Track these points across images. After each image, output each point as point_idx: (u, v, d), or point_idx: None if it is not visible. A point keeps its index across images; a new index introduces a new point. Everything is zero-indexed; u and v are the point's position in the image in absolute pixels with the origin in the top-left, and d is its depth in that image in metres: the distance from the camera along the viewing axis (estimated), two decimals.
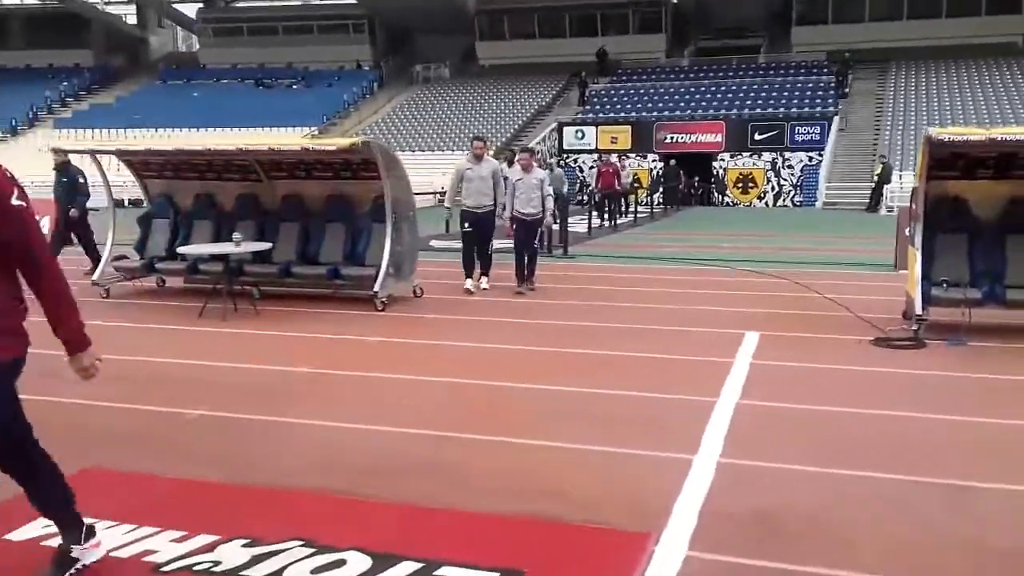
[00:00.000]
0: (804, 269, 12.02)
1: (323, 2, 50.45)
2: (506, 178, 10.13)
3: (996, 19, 37.23)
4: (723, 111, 35.07)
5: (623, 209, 23.26)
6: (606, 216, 20.81)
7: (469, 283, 10.00)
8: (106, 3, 51.45)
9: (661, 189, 31.60)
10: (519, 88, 42.38)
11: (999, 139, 6.85)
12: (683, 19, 45.16)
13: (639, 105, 37.16)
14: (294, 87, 45.64)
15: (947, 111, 31.40)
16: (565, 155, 35.37)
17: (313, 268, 9.14)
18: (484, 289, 10.07)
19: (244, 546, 3.43)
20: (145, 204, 10.62)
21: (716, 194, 33.55)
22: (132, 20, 54.06)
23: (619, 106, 37.52)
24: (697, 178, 32.70)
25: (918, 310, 7.26)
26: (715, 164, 33.49)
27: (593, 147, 35.09)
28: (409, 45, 48.82)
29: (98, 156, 9.97)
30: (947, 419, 5.15)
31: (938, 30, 37.57)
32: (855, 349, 7.03)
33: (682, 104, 36.50)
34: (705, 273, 11.87)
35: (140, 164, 10.14)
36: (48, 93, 45.84)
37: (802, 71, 38.30)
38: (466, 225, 9.96)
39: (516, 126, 37.88)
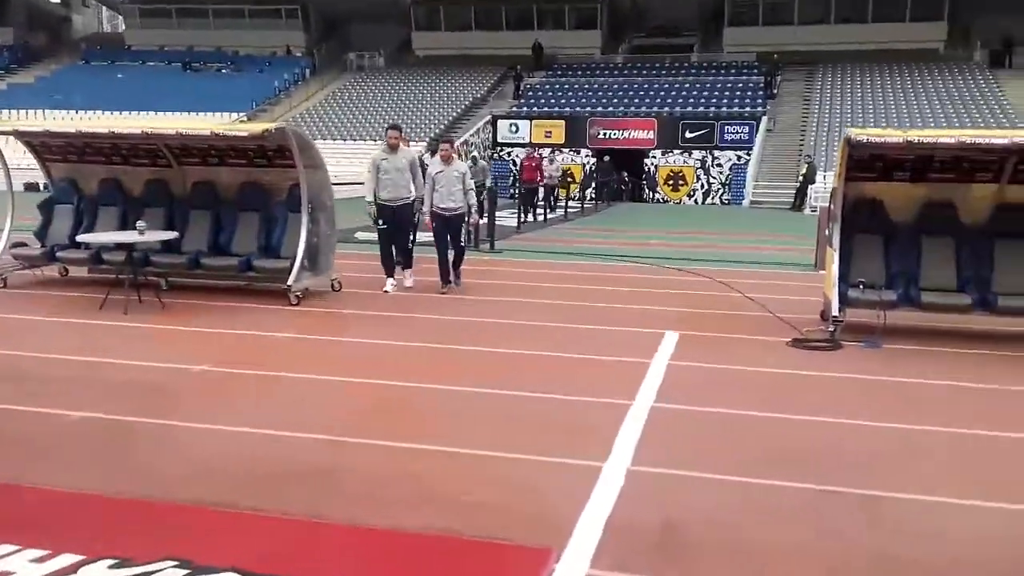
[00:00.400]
0: (727, 267, 12.05)
1: None
2: (425, 167, 9.78)
3: (919, 25, 38.24)
4: (655, 108, 35.29)
5: (553, 203, 23.08)
6: (529, 210, 20.17)
7: (389, 284, 9.41)
8: None
9: (593, 184, 31.75)
10: (454, 80, 42.00)
11: (915, 141, 6.88)
12: (619, 16, 45.33)
13: (573, 100, 37.18)
14: (223, 72, 44.45)
15: (871, 113, 32.12)
16: (499, 148, 35.25)
17: (224, 259, 8.77)
18: (408, 286, 9.57)
19: (111, 567, 3.14)
20: (49, 188, 10.07)
21: (647, 191, 33.80)
22: None
23: (553, 101, 37.46)
24: (626, 174, 32.93)
25: (834, 311, 7.27)
26: (647, 161, 33.71)
27: (527, 141, 34.91)
28: (344, 33, 47.98)
29: None
30: (860, 424, 5.11)
31: (864, 34, 38.45)
32: (772, 350, 7.00)
33: (615, 100, 36.64)
34: (630, 270, 11.81)
35: (41, 146, 9.60)
36: None
37: (732, 71, 38.79)
38: (380, 221, 9.36)
39: (450, 118, 37.50)
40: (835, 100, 34.90)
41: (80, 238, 8.59)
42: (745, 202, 30.04)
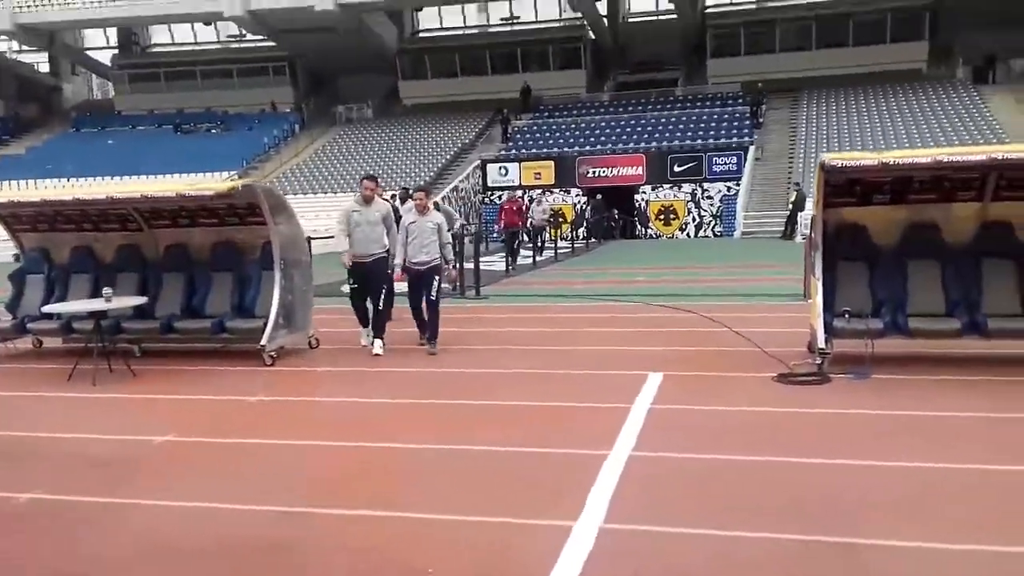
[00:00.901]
0: (715, 302, 11.86)
1: (243, 45, 49.78)
2: (399, 219, 9.34)
3: (901, 46, 38.52)
4: (643, 144, 35.41)
5: (541, 245, 22.90)
6: (512, 256, 19.05)
7: (364, 335, 8.96)
8: (17, 52, 49.84)
9: (585, 224, 31.73)
10: (442, 126, 42.24)
11: (891, 163, 6.72)
12: (602, 55, 45.75)
13: (561, 140, 37.31)
14: (213, 131, 44.71)
15: (857, 137, 32.16)
16: (490, 192, 35.29)
17: (197, 322, 8.57)
18: (376, 355, 8.50)
19: None
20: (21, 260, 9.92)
21: (639, 227, 33.75)
22: (45, 68, 52.61)
23: (541, 142, 37.61)
24: (616, 211, 32.91)
25: (820, 343, 7.06)
26: (637, 197, 33.73)
27: (517, 183, 35.07)
28: (331, 86, 48.41)
29: None
30: (849, 464, 4.87)
31: (846, 58, 38.71)
32: (759, 387, 6.77)
33: (603, 138, 36.78)
34: (616, 310, 11.62)
35: (11, 217, 9.46)
36: None
37: (718, 102, 39.00)
38: (351, 280, 8.83)
39: (440, 164, 37.63)
40: (821, 125, 35.01)
41: (45, 308, 8.40)
42: (736, 233, 29.95)
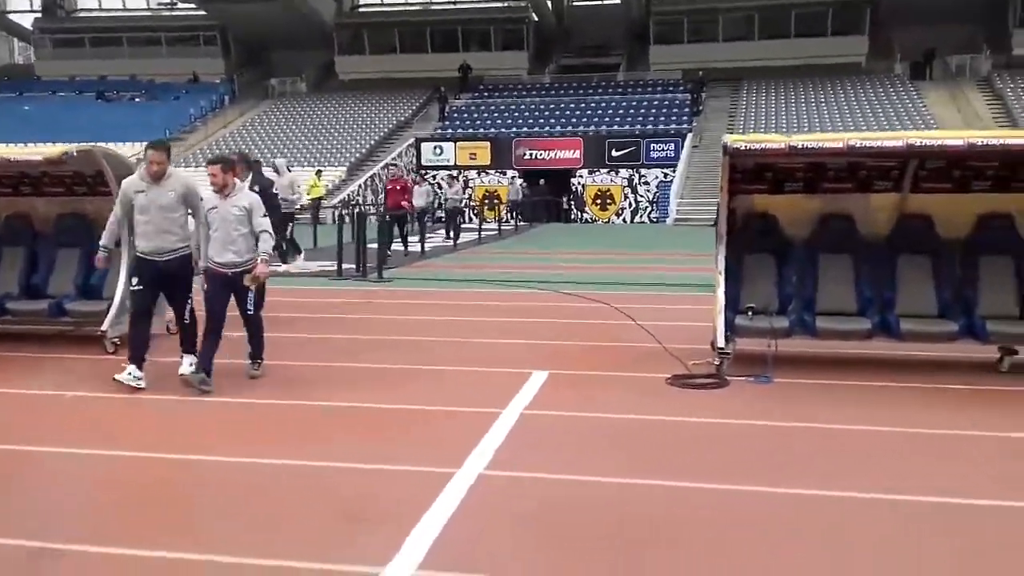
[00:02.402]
0: (630, 291, 11.20)
1: (173, 13, 47.82)
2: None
3: (841, 40, 38.38)
4: (581, 128, 34.76)
5: (456, 229, 21.00)
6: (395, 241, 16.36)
7: (128, 374, 5.94)
8: None
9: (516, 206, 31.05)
10: (378, 103, 41.04)
11: (799, 147, 6.02)
12: (545, 37, 44.93)
13: (499, 121, 36.44)
14: (137, 100, 42.81)
15: (795, 128, 31.88)
16: (424, 171, 34.29)
17: (33, 303, 7.57)
18: (184, 375, 6.23)
19: None
20: None
21: (575, 211, 33.12)
22: None
23: (479, 122, 36.69)
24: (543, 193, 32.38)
25: (720, 342, 6.37)
26: (573, 180, 33.07)
27: (452, 163, 34.14)
28: (265, 59, 46.77)
29: None
30: (734, 490, 4.17)
31: (787, 50, 38.45)
32: (649, 390, 6.07)
33: (541, 121, 36.02)
34: (522, 297, 10.86)
35: None
36: None
37: (659, 89, 38.49)
38: (135, 281, 6.31)
39: (372, 142, 36.51)
40: (760, 115, 34.72)
41: None
42: (670, 220, 29.47)
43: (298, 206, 15.36)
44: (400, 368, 6.78)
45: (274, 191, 11.90)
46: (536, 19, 43.50)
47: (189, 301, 6.45)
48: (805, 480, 4.31)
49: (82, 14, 49.76)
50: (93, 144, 7.26)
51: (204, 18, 45.01)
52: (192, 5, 44.00)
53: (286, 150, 35.93)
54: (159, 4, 48.53)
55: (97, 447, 4.78)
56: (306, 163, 33.10)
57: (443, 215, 22.23)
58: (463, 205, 21.62)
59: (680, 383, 6.18)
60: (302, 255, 13.99)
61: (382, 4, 47.48)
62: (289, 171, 14.90)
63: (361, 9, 47.55)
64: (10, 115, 39.62)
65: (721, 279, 6.56)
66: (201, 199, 6.36)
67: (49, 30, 47.79)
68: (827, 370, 6.61)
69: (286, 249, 13.36)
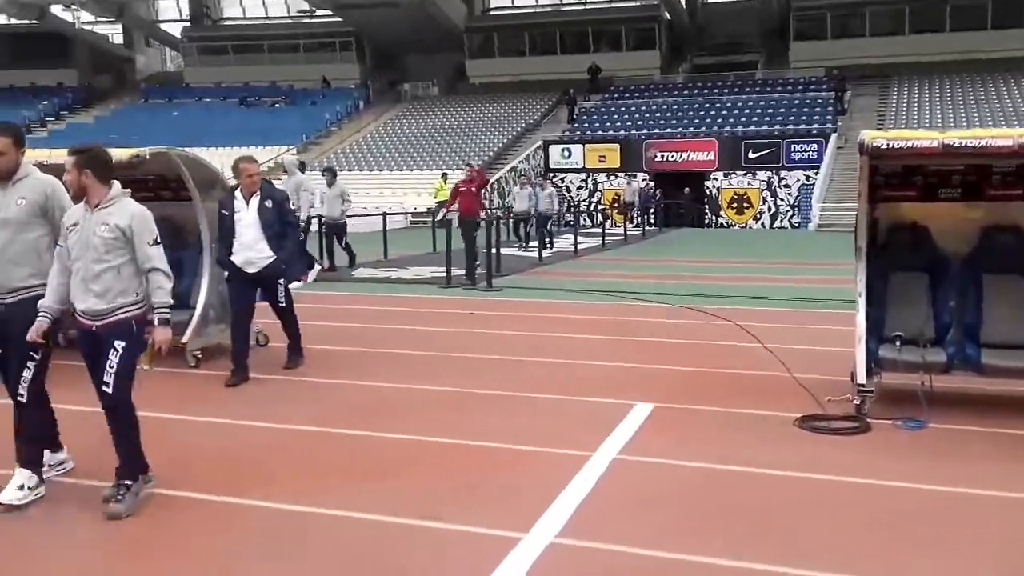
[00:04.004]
0: (760, 305, 10.16)
1: (311, 20, 49.18)
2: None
3: (1003, 33, 35.35)
4: (716, 128, 33.38)
5: (549, 237, 19.11)
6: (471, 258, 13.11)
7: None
8: (89, 23, 50.18)
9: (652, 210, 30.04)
10: (508, 106, 40.80)
11: (957, 145, 4.93)
12: (679, 36, 43.62)
13: (629, 123, 35.50)
14: (277, 106, 44.17)
15: (952, 127, 29.47)
16: (552, 175, 33.70)
17: None
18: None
19: None
20: None
21: (709, 214, 31.75)
22: (119, 40, 52.95)
23: (608, 124, 35.86)
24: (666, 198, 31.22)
25: (860, 377, 5.35)
26: (708, 183, 31.71)
27: (580, 166, 33.55)
28: (398, 64, 47.43)
29: None
30: None
31: (942, 45, 35.76)
32: (772, 434, 5.13)
33: (674, 121, 34.85)
34: (638, 311, 9.98)
35: None
36: (27, 113, 44.56)
37: (800, 87, 36.56)
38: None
39: (501, 145, 36.21)
40: (911, 115, 32.36)
41: None
42: (811, 225, 27.72)
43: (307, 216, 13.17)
44: (486, 395, 6.09)
45: (292, 205, 11.34)
46: (668, 17, 42.24)
47: (30, 370, 4.09)
48: (977, 571, 3.33)
49: (227, 22, 51.90)
50: (168, 147, 6.87)
51: (340, 24, 46.02)
52: (329, 12, 45.00)
53: (416, 153, 36.20)
54: (299, 12, 50.00)
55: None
56: (435, 167, 33.17)
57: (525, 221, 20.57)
58: (556, 211, 20.04)
59: (811, 426, 5.21)
60: (314, 270, 12.92)
61: (512, 7, 47.26)
62: (302, 172, 13.60)
63: (492, 12, 47.53)
64: (160, 121, 41.61)
65: (862, 301, 5.54)
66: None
67: (196, 38, 50.06)
68: (995, 414, 5.46)
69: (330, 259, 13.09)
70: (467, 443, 4.95)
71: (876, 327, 5.60)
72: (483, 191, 14.82)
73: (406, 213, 28.98)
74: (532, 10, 46.54)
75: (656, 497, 4.15)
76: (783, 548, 3.55)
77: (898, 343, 5.44)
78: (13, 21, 47.65)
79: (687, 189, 31.41)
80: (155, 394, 5.94)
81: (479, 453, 4.81)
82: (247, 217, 6.47)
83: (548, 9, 46.45)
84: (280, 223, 6.59)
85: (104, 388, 3.95)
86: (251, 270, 6.56)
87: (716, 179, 31.71)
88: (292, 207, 7.37)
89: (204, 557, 3.52)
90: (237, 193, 6.58)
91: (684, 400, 5.87)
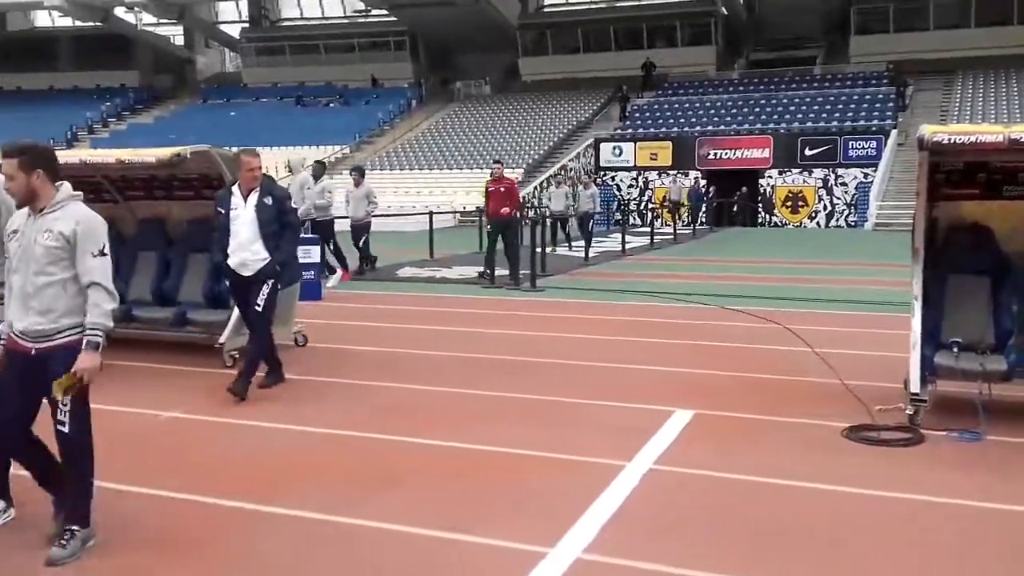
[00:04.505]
0: (812, 308, 9.83)
1: (367, 20, 49.52)
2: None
3: None
4: (772, 125, 32.67)
5: (588, 236, 17.79)
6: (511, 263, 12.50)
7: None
8: (151, 24, 51.22)
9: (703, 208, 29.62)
10: (559, 104, 40.53)
11: (1022, 139, 4.62)
12: (735, 31, 42.83)
13: (682, 120, 34.99)
14: (331, 105, 44.58)
15: (1019, 123, 28.44)
16: (602, 172, 33.40)
17: (159, 310, 7.34)
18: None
19: None
20: None
21: (763, 213, 31.12)
22: (180, 41, 53.97)
23: (661, 121, 35.38)
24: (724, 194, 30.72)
25: (914, 386, 5.08)
26: (762, 181, 31.09)
27: (632, 164, 33.17)
28: (451, 62, 47.52)
29: None
30: None
31: (1009, 38, 34.52)
32: (819, 444, 4.89)
33: (728, 118, 34.23)
34: (684, 313, 9.72)
35: None
36: (89, 114, 45.71)
37: (859, 83, 35.61)
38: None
39: (552, 142, 35.97)
40: (976, 110, 31.29)
41: None
42: (868, 224, 26.97)
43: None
44: (521, 399, 5.93)
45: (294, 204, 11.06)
46: (725, 12, 41.49)
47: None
48: None
49: (285, 23, 52.54)
50: (208, 146, 6.83)
51: (395, 24, 46.22)
52: (384, 12, 45.26)
53: (468, 152, 36.17)
54: (354, 11, 50.37)
55: (155, 486, 4.23)
56: (485, 166, 33.05)
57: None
58: (594, 210, 18.96)
59: (860, 437, 4.94)
60: (335, 276, 12.61)
61: (567, 3, 46.99)
62: (322, 173, 13.53)
63: (546, 9, 47.30)
64: (218, 121, 42.30)
65: (917, 305, 5.26)
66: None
67: (254, 39, 50.69)
68: None
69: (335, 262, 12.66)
70: (498, 450, 4.80)
71: (932, 333, 5.31)
72: (515, 191, 13.26)
73: (454, 212, 28.93)
74: (586, 6, 46.21)
75: (692, 512, 3.95)
76: (827, 571, 3.33)
77: (955, 349, 5.14)
78: (78, 23, 48.88)
79: (744, 189, 30.86)
80: (188, 394, 5.94)
81: (510, 461, 4.65)
82: (244, 215, 5.96)
83: (602, 5, 46.03)
84: (279, 222, 6.04)
85: (60, 428, 3.42)
86: (245, 273, 6.01)
87: (771, 177, 31.06)
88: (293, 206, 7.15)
89: (229, 567, 3.42)
90: (234, 189, 6.08)
91: (726, 407, 5.64)
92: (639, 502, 4.02)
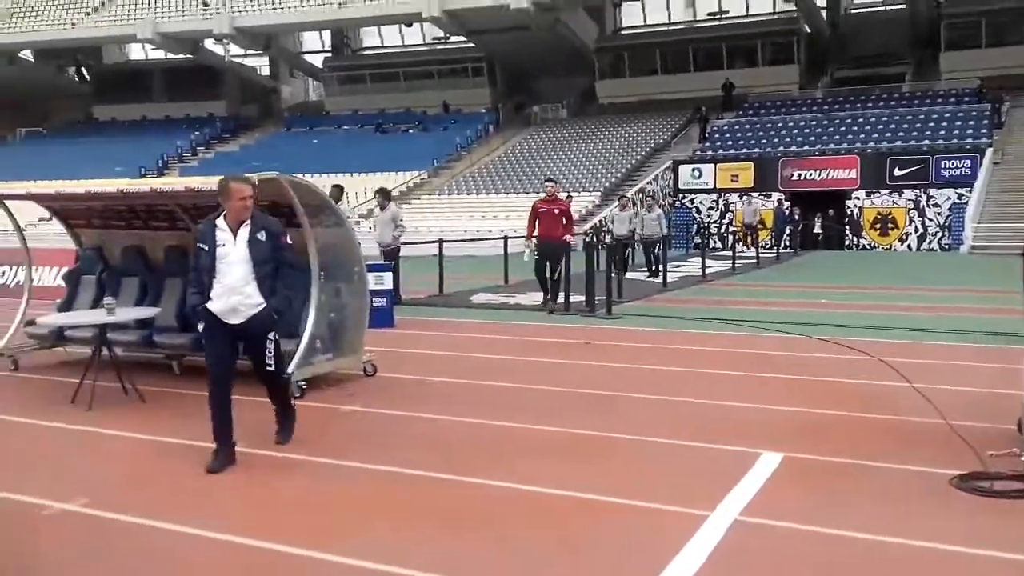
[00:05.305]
0: (908, 338, 9.22)
1: (445, 47, 50.11)
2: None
3: None
4: (858, 145, 31.68)
5: (655, 263, 17.52)
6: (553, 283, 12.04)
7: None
8: (238, 56, 52.83)
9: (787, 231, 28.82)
10: (637, 126, 40.20)
11: None
12: (819, 49, 41.90)
13: (764, 140, 34.23)
14: (410, 131, 45.13)
15: None
16: (681, 195, 32.84)
17: None
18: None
19: None
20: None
21: (850, 236, 30.08)
22: (266, 71, 55.53)
23: (742, 142, 34.67)
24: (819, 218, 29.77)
25: None
26: (848, 203, 30.08)
27: (711, 186, 32.55)
28: (528, 87, 47.68)
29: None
30: None
31: None
32: (924, 493, 4.42)
33: (812, 138, 33.35)
34: (768, 343, 9.22)
35: (62, 210, 8.64)
36: (180, 142, 47.28)
37: (951, 100, 34.30)
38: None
39: (629, 165, 35.60)
40: None
41: (41, 320, 7.38)
42: (964, 247, 25.76)
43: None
44: (594, 437, 5.59)
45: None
46: (808, 30, 40.61)
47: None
48: None
49: (366, 52, 53.59)
50: (277, 173, 6.73)
51: (472, 50, 46.66)
52: (462, 39, 45.73)
53: (544, 176, 35.96)
54: (433, 39, 51.05)
55: (223, 531, 4.05)
56: (562, 189, 32.85)
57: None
58: (662, 235, 18.01)
59: (972, 486, 4.45)
60: None
61: (644, 25, 46.71)
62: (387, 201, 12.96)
63: (623, 32, 47.13)
64: (301, 148, 43.26)
65: None
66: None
67: (337, 68, 51.89)
68: None
69: None
70: (570, 494, 4.47)
71: None
72: (570, 215, 12.29)
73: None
74: (664, 28, 45.85)
75: (782, 572, 3.56)
76: None
77: None
78: (169, 56, 50.75)
79: (831, 211, 29.92)
80: (254, 425, 5.78)
81: (583, 507, 4.32)
82: (234, 252, 5.00)
83: (681, 26, 45.63)
84: (275, 260, 5.14)
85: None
86: (234, 321, 5.05)
87: (858, 198, 30.05)
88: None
89: None
90: (220, 221, 5.08)
91: (818, 450, 5.20)
92: (724, 558, 3.64)
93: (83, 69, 55.30)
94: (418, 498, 4.52)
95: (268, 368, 5.24)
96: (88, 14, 47.25)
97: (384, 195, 13.07)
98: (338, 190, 12.38)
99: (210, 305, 5.04)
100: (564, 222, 11.88)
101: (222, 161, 43.33)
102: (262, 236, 5.06)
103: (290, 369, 6.69)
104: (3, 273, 15.37)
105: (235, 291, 5.01)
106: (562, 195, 13.44)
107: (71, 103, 53.70)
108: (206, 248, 5.04)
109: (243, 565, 3.71)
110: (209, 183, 6.50)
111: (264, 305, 5.08)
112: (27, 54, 50.74)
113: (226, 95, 52.09)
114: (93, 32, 46.97)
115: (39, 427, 6.08)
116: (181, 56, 49.03)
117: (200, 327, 5.18)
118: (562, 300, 11.86)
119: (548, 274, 11.97)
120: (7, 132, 51.11)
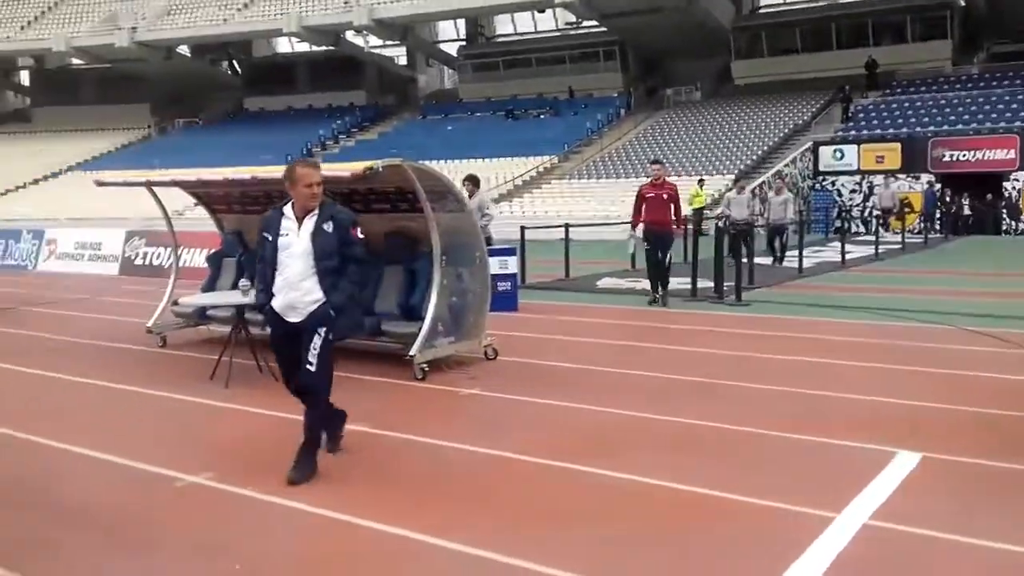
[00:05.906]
0: None
1: (577, 32, 49.86)
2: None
3: None
4: (1018, 124, 29.48)
5: (780, 252, 16.72)
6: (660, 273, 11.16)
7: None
8: (377, 46, 54.26)
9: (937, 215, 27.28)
10: (774, 107, 38.77)
11: None
12: (974, 23, 39.20)
13: (913, 120, 32.39)
14: (541, 117, 45.18)
15: None
16: (821, 177, 31.56)
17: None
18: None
19: None
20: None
21: (1008, 220, 28.13)
22: (403, 61, 56.83)
23: (888, 121, 32.93)
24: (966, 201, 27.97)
25: None
26: (1006, 184, 28.13)
27: (855, 168, 31.11)
28: (661, 70, 46.83)
29: (156, 188, 8.95)
30: None
31: None
32: None
33: (966, 117, 31.30)
34: (908, 333, 8.69)
35: (207, 197, 9.06)
36: (322, 131, 49.03)
37: None
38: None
39: (766, 147, 34.42)
40: None
41: (184, 300, 7.74)
42: None
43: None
44: (716, 429, 5.40)
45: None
46: (963, 3, 38.03)
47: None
48: None
49: (499, 39, 53.96)
50: (401, 159, 6.80)
51: (605, 34, 46.17)
52: (594, 23, 45.35)
53: (675, 159, 35.33)
54: (566, 24, 50.85)
55: (343, 510, 4.13)
56: (694, 172, 32.22)
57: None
58: (787, 219, 16.86)
59: None
60: None
61: (784, 3, 44.98)
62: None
63: (761, 11, 45.55)
64: (435, 135, 44.11)
65: None
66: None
67: (471, 56, 52.45)
68: None
69: None
70: (686, 488, 4.33)
71: None
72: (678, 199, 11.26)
73: None
74: (805, 5, 44.00)
75: None
76: None
77: None
78: (313, 48, 52.65)
79: (989, 195, 28.07)
80: (379, 406, 5.91)
81: (698, 502, 4.18)
82: (297, 244, 4.55)
83: (823, 3, 43.66)
84: (340, 255, 4.61)
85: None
86: (293, 318, 4.61)
87: (1017, 179, 28.04)
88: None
89: None
90: (287, 210, 4.65)
91: (961, 451, 4.83)
92: (850, 568, 3.43)
93: (234, 62, 58.09)
94: (528, 487, 4.49)
95: (308, 367, 4.52)
96: (239, 10, 49.57)
97: (473, 182, 12.00)
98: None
99: (273, 302, 4.66)
100: (673, 208, 11.13)
101: (362, 149, 44.64)
102: (328, 227, 4.57)
103: (412, 351, 6.81)
104: (158, 255, 16.38)
105: (293, 286, 4.57)
106: (671, 179, 12.53)
107: (224, 95, 56.51)
108: (269, 238, 4.64)
109: (370, 552, 3.76)
110: (334, 169, 6.66)
111: (323, 301, 4.57)
112: (184, 49, 53.64)
113: (366, 85, 53.53)
114: (243, 27, 49.23)
115: (179, 401, 6.41)
116: (323, 48, 50.76)
117: (268, 330, 4.87)
118: (688, 286, 11.52)
119: (656, 263, 11.17)
120: (167, 123, 54.34)
